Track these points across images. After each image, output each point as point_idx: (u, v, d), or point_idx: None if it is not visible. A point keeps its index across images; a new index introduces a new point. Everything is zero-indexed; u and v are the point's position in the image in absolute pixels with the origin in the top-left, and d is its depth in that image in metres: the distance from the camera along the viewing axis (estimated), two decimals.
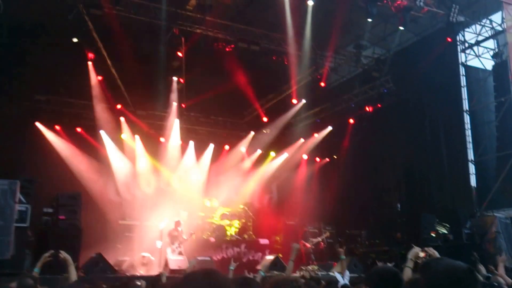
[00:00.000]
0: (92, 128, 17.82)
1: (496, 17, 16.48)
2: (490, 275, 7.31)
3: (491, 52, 16.84)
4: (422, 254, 4.53)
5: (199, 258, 13.04)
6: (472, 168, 16.14)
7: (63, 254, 5.32)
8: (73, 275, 5.28)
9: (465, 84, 16.55)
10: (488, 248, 14.26)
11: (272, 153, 21.09)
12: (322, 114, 20.73)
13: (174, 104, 18.14)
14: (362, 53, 18.18)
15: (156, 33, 15.77)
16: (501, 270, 6.60)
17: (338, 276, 8.51)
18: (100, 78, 17.04)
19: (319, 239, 16.34)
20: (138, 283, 6.07)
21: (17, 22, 14.51)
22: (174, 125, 18.62)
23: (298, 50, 17.08)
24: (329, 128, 20.33)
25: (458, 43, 16.79)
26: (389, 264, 9.48)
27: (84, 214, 13.07)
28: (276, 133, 20.79)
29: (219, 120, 21.01)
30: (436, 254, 4.49)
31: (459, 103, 16.42)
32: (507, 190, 14.97)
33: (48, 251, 5.88)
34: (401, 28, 15.60)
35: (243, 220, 17.34)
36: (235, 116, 21.43)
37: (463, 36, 16.89)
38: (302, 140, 20.68)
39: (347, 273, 8.57)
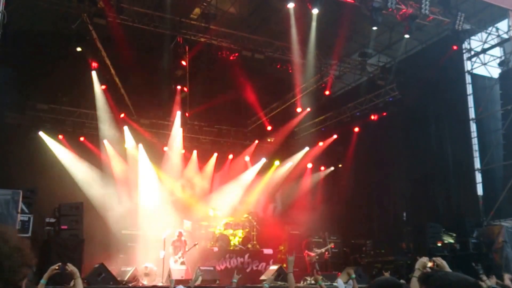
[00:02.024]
0: (95, 137, 17.82)
1: (502, 25, 16.39)
2: (495, 286, 7.15)
3: (497, 60, 16.72)
4: (430, 264, 4.39)
5: (202, 268, 12.89)
6: (478, 177, 15.97)
7: (71, 267, 5.31)
8: (80, 286, 5.25)
9: (471, 92, 16.40)
10: (495, 258, 14.09)
11: (277, 162, 20.99)
12: (327, 122, 20.66)
13: (178, 113, 18.07)
14: (367, 61, 18.10)
15: (160, 42, 15.76)
16: (507, 281, 6.43)
17: (340, 283, 8.43)
18: (103, 87, 17.03)
19: (324, 249, 16.18)
20: None
21: (21, 31, 14.51)
22: (177, 134, 18.54)
23: (302, 59, 17.01)
24: (334, 136, 20.24)
25: (464, 51, 16.67)
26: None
27: (87, 224, 12.98)
28: (280, 142, 20.69)
29: (223, 129, 20.95)
30: (445, 264, 4.35)
31: (465, 111, 16.28)
32: None
33: (49, 261, 5.84)
34: (407, 36, 15.50)
35: (247, 230, 17.19)
36: (239, 125, 21.39)
37: (469, 44, 16.77)
38: (306, 148, 20.58)
39: (350, 281, 8.47)
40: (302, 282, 13.95)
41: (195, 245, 14.31)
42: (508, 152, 15.52)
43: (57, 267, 5.57)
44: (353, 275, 8.58)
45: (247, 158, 20.93)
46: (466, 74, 16.57)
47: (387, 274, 8.44)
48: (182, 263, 13.76)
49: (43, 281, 5.44)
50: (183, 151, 19.04)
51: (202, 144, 20.31)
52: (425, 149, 17.24)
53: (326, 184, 20.42)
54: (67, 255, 11.52)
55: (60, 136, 17.55)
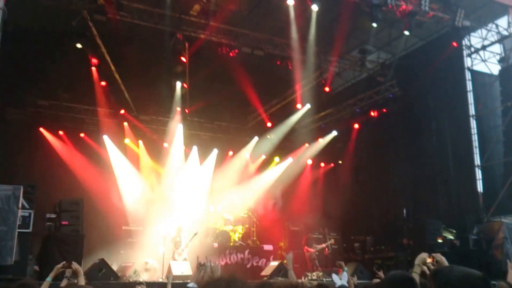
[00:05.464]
0: (96, 134, 17.87)
1: (502, 22, 16.38)
2: (495, 282, 7.18)
3: (497, 57, 16.70)
4: (429, 260, 4.42)
5: None
6: (478, 174, 15.99)
7: (75, 265, 5.47)
8: (82, 283, 5.37)
9: (471, 89, 16.42)
10: (495, 254, 14.11)
11: (276, 159, 21.01)
12: (327, 119, 20.66)
13: (178, 109, 18.09)
14: (367, 58, 18.07)
15: (160, 38, 15.76)
16: (511, 276, 6.44)
17: (335, 278, 8.48)
18: (103, 83, 17.05)
19: (324, 245, 16.22)
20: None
21: (22, 28, 14.52)
22: (177, 130, 18.56)
23: (302, 55, 17.02)
24: (334, 133, 20.26)
25: (464, 48, 16.68)
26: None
27: (87, 220, 13.02)
28: (280, 138, 20.70)
29: (223, 125, 20.97)
30: (444, 260, 4.38)
31: (465, 108, 16.29)
32: None
33: (50, 256, 5.92)
34: (406, 32, 15.49)
35: (247, 226, 17.23)
36: (239, 121, 21.39)
37: (469, 40, 16.78)
38: (306, 145, 20.60)
39: (344, 274, 8.51)
40: (303, 278, 13.99)
41: (195, 234, 14.34)
42: (508, 148, 15.54)
43: (62, 266, 5.68)
44: (345, 268, 8.63)
45: (247, 155, 20.94)
46: (466, 70, 16.59)
47: (381, 274, 8.42)
48: (184, 259, 13.82)
49: (48, 278, 5.56)
50: (183, 147, 19.05)
51: (202, 140, 20.30)
52: (425, 145, 17.26)
53: (326, 180, 20.44)
54: (67, 251, 11.57)
55: (61, 132, 17.62)
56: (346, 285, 7.42)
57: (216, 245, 15.53)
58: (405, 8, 14.54)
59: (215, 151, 20.03)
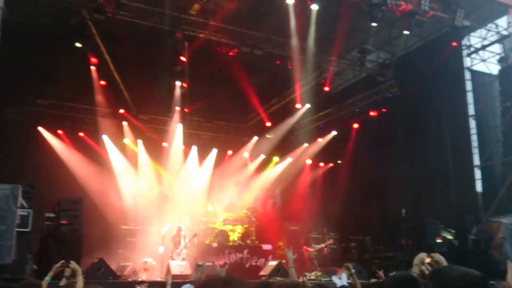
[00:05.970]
0: (95, 133, 17.87)
1: (502, 22, 16.37)
2: (493, 282, 7.17)
3: (497, 57, 16.69)
4: (428, 260, 4.40)
5: (200, 263, 12.91)
6: (478, 174, 15.98)
7: (73, 265, 5.47)
8: (81, 283, 5.36)
9: (470, 88, 16.41)
10: (494, 254, 14.10)
11: (276, 158, 21.00)
12: (326, 118, 20.64)
13: (177, 109, 18.08)
14: (366, 58, 18.04)
15: (159, 37, 15.74)
16: (510, 276, 6.42)
17: (335, 279, 8.44)
18: (103, 82, 17.05)
19: (323, 245, 16.22)
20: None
21: (21, 27, 14.50)
22: (176, 130, 18.56)
23: (302, 55, 17.00)
24: (333, 132, 20.25)
25: (464, 48, 16.67)
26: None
27: (86, 219, 13.01)
28: (279, 138, 20.69)
29: (222, 125, 20.96)
30: (443, 259, 4.36)
31: (465, 108, 16.28)
32: None
33: (49, 256, 5.91)
34: (406, 32, 15.47)
35: (246, 225, 17.21)
36: (238, 121, 21.38)
37: (469, 40, 16.76)
38: (306, 145, 20.59)
39: (343, 275, 8.48)
40: (302, 278, 13.96)
41: (195, 235, 14.34)
42: (507, 148, 15.54)
43: (60, 266, 5.68)
44: (353, 270, 8.56)
45: (246, 154, 20.93)
46: (466, 70, 16.58)
47: (381, 273, 8.41)
48: (182, 258, 13.80)
49: (47, 278, 5.55)
50: (183, 146, 19.05)
51: (201, 139, 20.30)
52: (424, 145, 17.23)
53: (325, 180, 20.42)
54: (66, 250, 11.54)
55: (60, 131, 17.61)
56: (347, 285, 7.39)
57: (215, 244, 15.53)
58: (404, 8, 14.52)
59: (214, 151, 20.03)
